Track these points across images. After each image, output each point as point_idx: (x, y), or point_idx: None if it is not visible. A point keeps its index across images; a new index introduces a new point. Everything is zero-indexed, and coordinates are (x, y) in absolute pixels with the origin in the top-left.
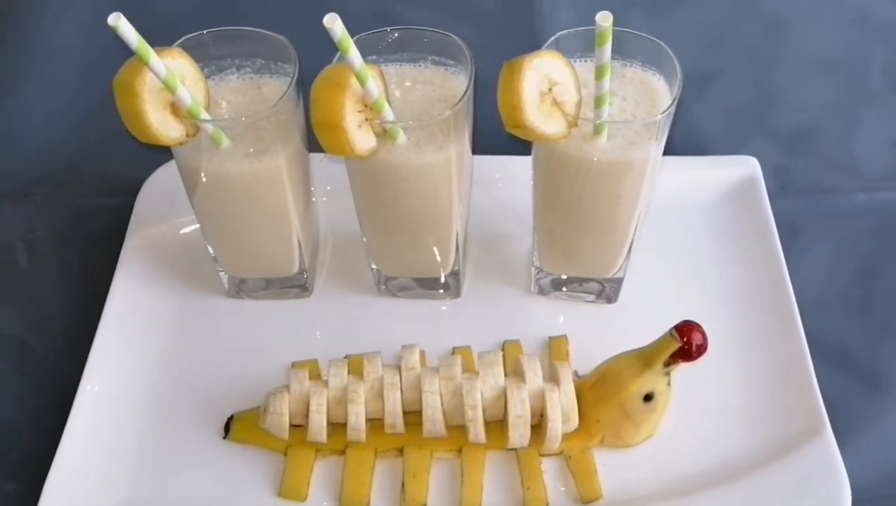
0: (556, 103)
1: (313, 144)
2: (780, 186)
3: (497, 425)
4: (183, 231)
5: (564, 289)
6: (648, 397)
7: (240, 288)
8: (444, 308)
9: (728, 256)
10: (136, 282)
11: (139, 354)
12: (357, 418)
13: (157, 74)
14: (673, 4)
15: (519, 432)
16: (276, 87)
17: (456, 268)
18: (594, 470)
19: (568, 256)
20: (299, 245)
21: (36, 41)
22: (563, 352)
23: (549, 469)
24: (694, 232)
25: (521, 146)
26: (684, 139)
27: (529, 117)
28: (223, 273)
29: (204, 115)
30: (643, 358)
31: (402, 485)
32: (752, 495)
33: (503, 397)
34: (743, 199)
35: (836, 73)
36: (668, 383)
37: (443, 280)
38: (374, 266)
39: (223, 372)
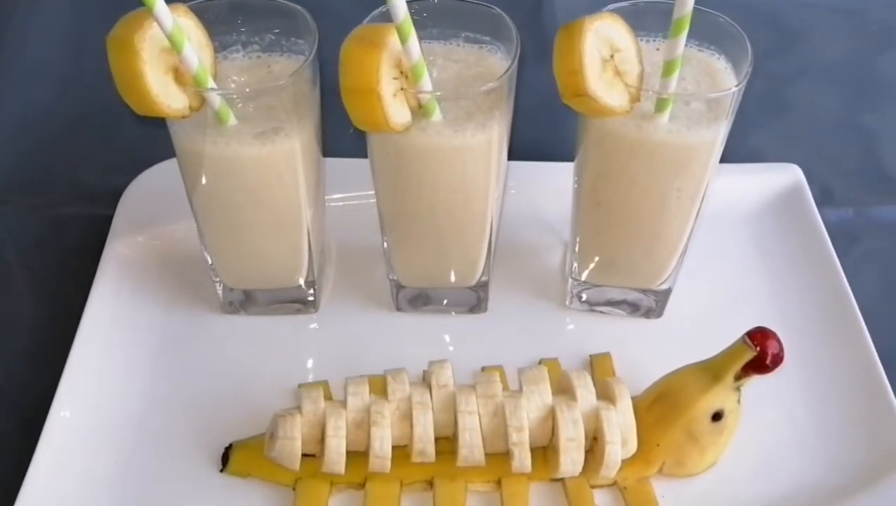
0: (617, 73)
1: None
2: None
3: (540, 451)
4: (171, 240)
5: (605, 302)
6: (717, 416)
7: (237, 302)
8: (468, 324)
9: (778, 267)
10: (115, 295)
11: (120, 376)
12: (382, 442)
13: (162, 26)
14: None
15: (571, 458)
16: (287, 65)
17: (484, 278)
18: (654, 501)
19: (612, 263)
20: (309, 250)
21: (9, 43)
22: (607, 371)
23: (601, 503)
24: (739, 242)
25: (542, 153)
26: None
27: (592, 85)
28: (219, 284)
29: (211, 83)
30: (711, 370)
31: None
32: None
33: (550, 417)
34: (788, 207)
35: (853, 83)
36: (739, 400)
37: (469, 292)
38: (391, 276)
39: (219, 396)
